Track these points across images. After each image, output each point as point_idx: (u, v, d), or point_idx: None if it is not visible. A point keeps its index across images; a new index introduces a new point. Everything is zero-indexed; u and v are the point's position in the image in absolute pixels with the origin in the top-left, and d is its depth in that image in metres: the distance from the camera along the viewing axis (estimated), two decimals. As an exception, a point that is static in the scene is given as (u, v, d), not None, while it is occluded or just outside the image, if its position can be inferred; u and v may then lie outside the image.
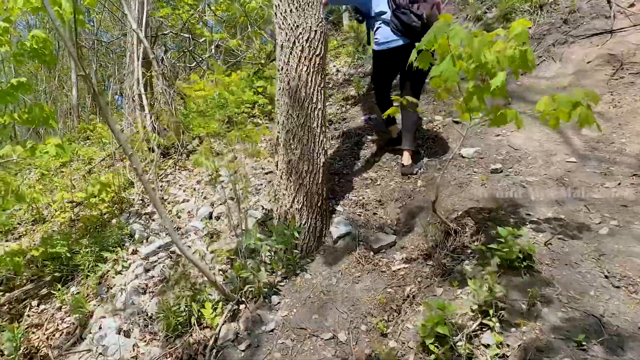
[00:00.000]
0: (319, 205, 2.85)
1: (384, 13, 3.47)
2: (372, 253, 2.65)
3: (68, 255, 3.65)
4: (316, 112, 2.84)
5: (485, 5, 6.57)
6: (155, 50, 6.76)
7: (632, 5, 5.22)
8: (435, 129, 3.94)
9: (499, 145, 3.40)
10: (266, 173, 4.26)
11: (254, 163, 4.65)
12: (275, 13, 2.89)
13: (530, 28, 5.35)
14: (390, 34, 3.42)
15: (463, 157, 3.38)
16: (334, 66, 7.18)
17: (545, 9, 5.49)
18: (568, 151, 3.05)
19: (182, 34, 8.50)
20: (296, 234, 2.60)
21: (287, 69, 2.82)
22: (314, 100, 2.83)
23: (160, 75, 5.72)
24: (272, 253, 2.69)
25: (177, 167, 5.47)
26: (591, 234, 2.18)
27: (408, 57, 3.41)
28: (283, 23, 2.83)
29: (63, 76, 14.34)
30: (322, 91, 2.90)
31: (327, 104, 5.71)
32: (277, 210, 2.92)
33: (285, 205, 2.83)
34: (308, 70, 2.81)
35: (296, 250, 2.69)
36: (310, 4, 2.82)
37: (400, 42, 3.40)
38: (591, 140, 3.14)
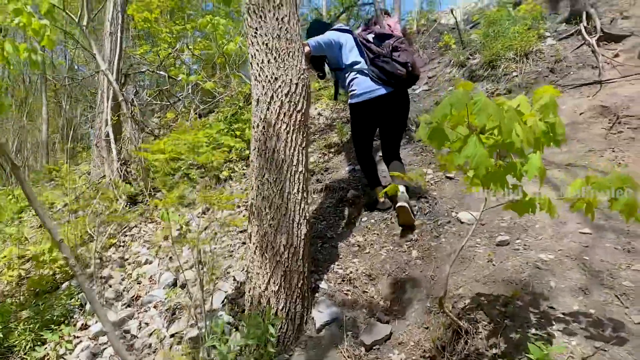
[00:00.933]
0: (299, 285, 2.37)
1: (358, 63, 3.18)
2: (363, 349, 2.16)
3: (0, 335, 3.03)
4: (297, 176, 2.41)
5: (469, 51, 6.41)
6: (127, 91, 6.31)
7: (616, 55, 5.09)
8: (425, 185, 3.55)
9: (499, 209, 3.01)
10: (241, 231, 3.76)
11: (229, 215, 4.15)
12: (250, 64, 2.49)
13: (516, 76, 5.14)
14: (371, 83, 3.12)
15: (462, 222, 2.97)
16: (316, 109, 6.84)
17: (531, 57, 5.32)
18: (579, 219, 2.68)
19: (158, 72, 8.10)
20: (271, 329, 2.09)
21: (263, 127, 2.40)
22: (295, 163, 2.40)
23: (129, 118, 5.23)
24: (243, 348, 2.17)
25: (144, 219, 4.91)
26: (635, 340, 1.76)
27: (391, 107, 3.17)
28: (260, 75, 2.43)
29: (35, 111, 13.69)
30: (304, 152, 2.48)
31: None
32: (249, 292, 2.42)
33: (259, 287, 2.34)
34: (288, 129, 2.39)
35: (271, 348, 2.18)
36: (291, 54, 2.44)
37: (383, 91, 3.09)
38: (602, 206, 2.78)
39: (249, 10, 2.46)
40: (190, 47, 8.00)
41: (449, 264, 1.90)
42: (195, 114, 8.11)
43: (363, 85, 3.12)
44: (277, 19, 2.43)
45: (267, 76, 2.40)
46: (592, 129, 3.90)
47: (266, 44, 2.41)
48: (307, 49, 2.86)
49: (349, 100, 3.24)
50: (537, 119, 1.45)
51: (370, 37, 3.23)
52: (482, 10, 8.54)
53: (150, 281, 3.54)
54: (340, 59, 3.24)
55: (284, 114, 2.38)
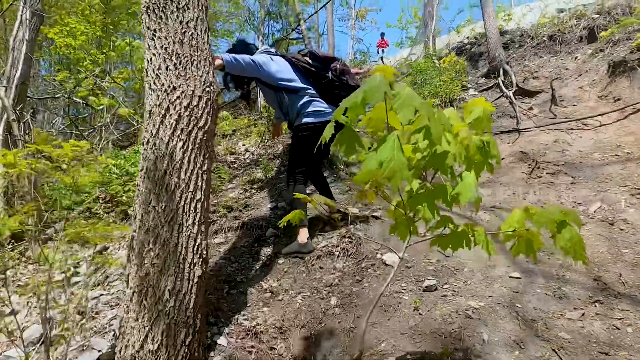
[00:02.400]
0: (187, 343, 1.85)
1: (309, 88, 2.94)
2: None
3: None
4: (193, 205, 1.95)
5: (397, 97, 6.47)
6: (24, 112, 5.53)
7: (530, 108, 5.32)
8: (348, 225, 3.23)
9: (426, 249, 2.74)
10: (137, 274, 3.15)
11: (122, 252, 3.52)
12: (146, 70, 2.07)
13: (442, 121, 5.16)
14: (327, 106, 2.95)
15: (387, 264, 2.65)
16: (243, 145, 6.46)
17: (455, 104, 5.42)
18: (508, 261, 2.47)
19: (75, 98, 7.33)
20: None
21: (154, 144, 1.95)
22: (191, 189, 1.95)
23: (20, 140, 4.48)
24: None
25: (25, 259, 4.08)
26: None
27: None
28: (155, 83, 2.01)
29: None
30: (205, 177, 2.04)
31: (229, 187, 4.87)
32: (120, 352, 1.85)
33: (133, 346, 1.79)
34: (185, 147, 1.96)
35: None
36: (195, 63, 2.06)
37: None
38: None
39: (147, 9, 2.07)
40: (111, 74, 7.37)
41: (366, 315, 1.53)
42: (114, 146, 7.39)
43: (321, 107, 2.94)
44: (180, 21, 2.06)
45: (163, 85, 1.98)
46: (514, 172, 3.88)
47: (165, 49, 2.02)
48: (218, 61, 2.50)
49: (305, 120, 2.91)
50: (470, 133, 1.18)
51: (309, 60, 3.01)
52: (412, 62, 8.90)
53: (11, 336, 2.77)
54: (286, 81, 2.94)
55: (182, 129, 1.96)
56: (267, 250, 3.11)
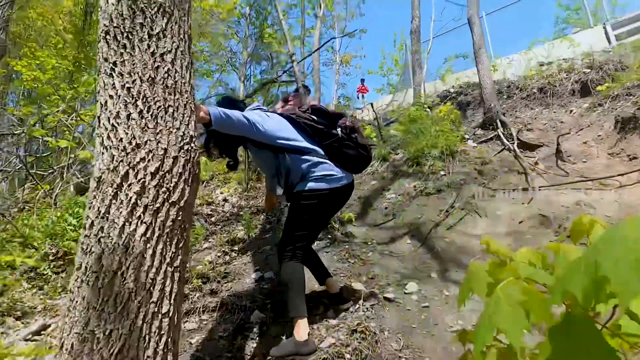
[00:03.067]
0: None
1: (314, 149, 2.36)
2: None
3: None
4: (156, 325, 1.27)
5: (390, 146, 6.01)
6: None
7: (536, 163, 4.93)
8: (357, 311, 2.57)
9: (442, 339, 2.11)
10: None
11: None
12: (98, 117, 1.44)
13: (444, 175, 4.67)
14: (337, 169, 2.39)
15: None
16: (221, 193, 5.78)
17: (457, 157, 4.97)
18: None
19: (38, 136, 6.52)
20: None
21: (102, 229, 1.29)
22: (155, 298, 1.28)
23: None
24: None
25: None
26: None
27: (346, 198, 2.51)
28: (109, 137, 1.37)
29: None
30: (178, 278, 1.38)
31: (205, 247, 4.15)
32: None
33: None
34: (149, 234, 1.30)
35: None
36: (170, 110, 1.45)
37: (350, 179, 2.47)
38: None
39: (106, 34, 1.46)
40: (79, 111, 6.64)
41: None
42: (77, 190, 6.56)
43: (331, 171, 2.36)
44: (153, 53, 1.46)
45: (121, 140, 1.35)
46: (539, 240, 3.35)
47: (129, 89, 1.40)
48: (202, 113, 1.89)
49: (312, 185, 2.29)
50: None
51: (312, 116, 2.46)
52: (398, 108, 8.58)
53: None
54: (289, 140, 2.35)
55: (145, 207, 1.31)
56: (252, 345, 2.40)
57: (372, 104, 6.79)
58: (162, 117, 1.42)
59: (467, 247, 3.51)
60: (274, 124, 2.31)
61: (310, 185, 2.29)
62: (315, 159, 2.34)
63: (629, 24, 10.04)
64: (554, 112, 6.74)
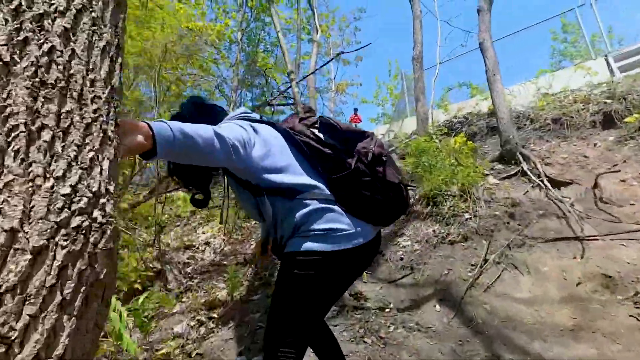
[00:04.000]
0: None
1: (314, 187, 1.44)
2: None
3: None
4: None
5: (409, 180, 5.25)
6: None
7: (572, 205, 4.19)
8: None
9: None
10: None
11: None
12: None
13: (469, 218, 3.89)
14: (348, 220, 1.43)
15: None
16: (203, 233, 4.90)
17: (481, 197, 4.21)
18: None
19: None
20: None
21: None
22: None
23: None
24: None
25: None
26: None
27: (369, 260, 1.56)
28: None
29: None
30: None
31: (175, 312, 3.26)
32: None
33: None
34: None
35: None
36: (60, 136, 0.64)
37: (368, 234, 1.46)
38: None
39: None
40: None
41: None
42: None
43: (341, 224, 1.42)
44: (29, 21, 0.67)
45: None
46: (610, 310, 2.55)
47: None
48: (139, 137, 1.01)
49: (309, 245, 1.38)
50: None
51: (319, 133, 1.58)
52: (405, 137, 7.91)
53: None
54: (277, 173, 1.42)
55: None
56: None
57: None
58: (24, 153, 0.61)
59: (514, 317, 2.70)
60: (261, 147, 1.41)
61: (308, 245, 1.37)
62: (316, 202, 1.41)
63: (632, 56, 9.67)
64: (574, 144, 6.08)
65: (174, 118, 1.54)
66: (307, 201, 1.38)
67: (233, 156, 1.24)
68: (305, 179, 1.40)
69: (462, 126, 8.63)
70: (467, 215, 3.91)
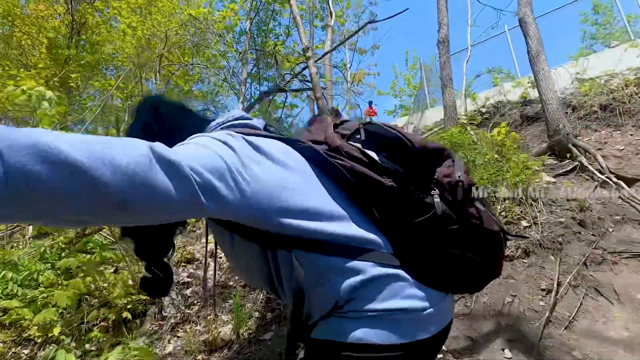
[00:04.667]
0: None
1: (369, 241, 0.81)
2: None
3: None
4: None
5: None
6: None
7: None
8: None
9: None
10: None
11: None
12: None
13: (528, 226, 3.15)
14: (427, 292, 0.83)
15: None
16: (208, 242, 4.25)
17: (538, 198, 3.45)
18: None
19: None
20: None
21: None
22: None
23: None
24: None
25: None
26: None
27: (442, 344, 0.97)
28: None
29: None
30: None
31: (169, 350, 2.61)
32: None
33: None
34: None
35: None
36: None
37: (445, 319, 0.87)
38: None
39: None
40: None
41: None
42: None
43: (408, 300, 0.81)
44: None
45: None
46: None
47: None
48: None
49: (357, 335, 0.77)
50: None
51: (369, 151, 0.89)
52: (433, 131, 7.16)
53: None
54: (295, 216, 0.77)
55: None
56: None
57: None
58: None
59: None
60: (272, 174, 0.77)
61: (359, 334, 0.77)
62: (372, 266, 0.80)
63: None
64: (630, 134, 5.27)
65: (131, 128, 0.95)
66: (356, 264, 0.79)
67: (204, 201, 0.65)
68: (352, 229, 0.81)
69: (492, 116, 7.84)
70: (524, 223, 3.17)
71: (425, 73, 12.98)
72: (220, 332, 2.45)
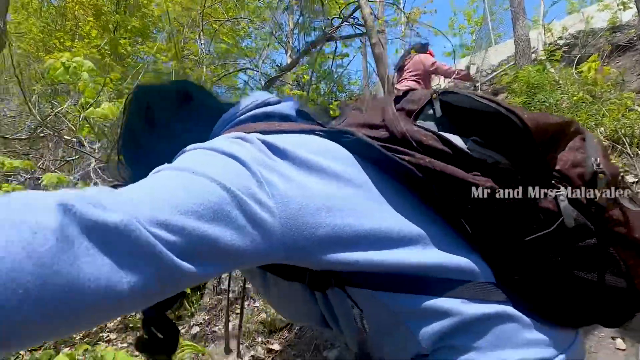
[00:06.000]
0: None
1: (462, 270, 0.55)
2: None
3: None
4: None
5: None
6: None
7: None
8: None
9: None
10: None
11: None
12: None
13: (636, 182, 2.60)
14: (550, 334, 0.56)
15: None
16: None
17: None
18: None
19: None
20: None
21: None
22: None
23: None
24: None
25: None
26: None
27: None
28: None
29: None
30: None
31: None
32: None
33: None
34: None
35: None
36: None
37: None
38: None
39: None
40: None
41: None
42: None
43: (528, 349, 0.55)
44: None
45: None
46: None
47: None
48: None
49: None
50: None
51: (449, 136, 0.58)
52: (504, 70, 6.37)
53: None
54: (349, 246, 0.52)
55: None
56: None
57: (468, 68, 4.61)
58: None
59: None
60: (306, 190, 0.50)
61: None
62: (465, 306, 0.54)
63: None
64: None
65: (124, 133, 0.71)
66: (442, 302, 0.54)
67: (189, 267, 0.39)
68: (434, 254, 0.56)
69: (571, 49, 6.80)
70: (630, 179, 2.60)
71: (489, 5, 11.60)
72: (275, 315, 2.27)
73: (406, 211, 0.56)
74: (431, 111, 0.62)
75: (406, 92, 0.68)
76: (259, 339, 2.15)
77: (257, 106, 0.64)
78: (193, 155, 0.50)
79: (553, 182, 0.57)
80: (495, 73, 6.79)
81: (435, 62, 4.35)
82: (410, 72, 4.15)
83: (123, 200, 0.37)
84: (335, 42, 4.14)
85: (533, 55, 6.49)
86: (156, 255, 0.36)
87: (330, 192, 0.51)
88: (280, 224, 0.46)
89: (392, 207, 0.56)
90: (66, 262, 0.30)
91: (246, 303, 2.57)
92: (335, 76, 7.19)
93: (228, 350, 1.90)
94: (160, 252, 0.36)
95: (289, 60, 9.36)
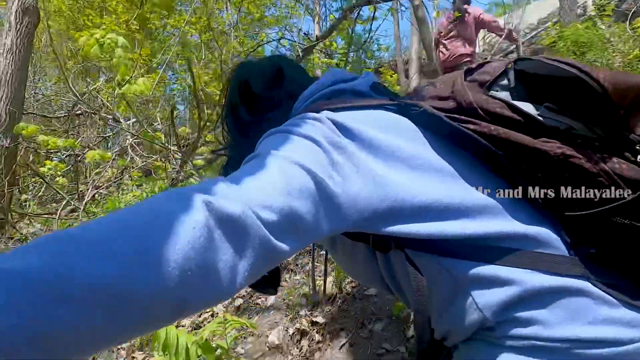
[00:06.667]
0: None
1: (532, 239, 0.54)
2: None
3: None
4: None
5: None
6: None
7: None
8: None
9: None
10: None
11: None
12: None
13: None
14: (629, 312, 0.51)
15: None
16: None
17: None
18: None
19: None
20: None
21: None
22: None
23: None
24: None
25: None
26: None
27: None
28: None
29: None
30: None
31: (268, 303, 2.50)
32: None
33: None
34: None
35: None
36: None
37: None
38: None
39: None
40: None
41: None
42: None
43: (603, 327, 0.51)
44: None
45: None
46: None
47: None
48: None
49: None
50: None
51: (521, 104, 0.58)
52: (548, 26, 5.98)
53: None
54: (419, 217, 0.55)
55: None
56: None
57: (510, 30, 4.32)
58: None
59: None
60: (372, 164, 0.54)
61: None
62: (536, 276, 0.53)
63: None
64: None
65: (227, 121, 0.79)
66: (511, 271, 0.53)
67: (280, 246, 0.45)
68: (503, 223, 0.56)
69: (620, 3, 6.28)
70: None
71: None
72: (321, 286, 2.26)
73: (473, 182, 0.57)
74: (506, 81, 0.61)
75: (481, 64, 0.66)
76: (302, 312, 2.17)
77: (334, 83, 0.67)
78: (276, 140, 0.53)
79: (637, 147, 0.53)
80: (536, 32, 6.36)
81: (482, 12, 4.08)
82: (454, 33, 3.93)
83: (241, 193, 0.44)
84: (360, 7, 3.88)
85: (578, 10, 6.03)
86: (262, 239, 0.42)
87: (392, 168, 0.54)
88: (349, 199, 0.50)
89: (456, 179, 0.57)
90: (210, 251, 0.38)
91: (287, 276, 2.59)
92: (363, 42, 6.93)
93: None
94: (264, 235, 0.42)
95: (316, 28, 9.08)
